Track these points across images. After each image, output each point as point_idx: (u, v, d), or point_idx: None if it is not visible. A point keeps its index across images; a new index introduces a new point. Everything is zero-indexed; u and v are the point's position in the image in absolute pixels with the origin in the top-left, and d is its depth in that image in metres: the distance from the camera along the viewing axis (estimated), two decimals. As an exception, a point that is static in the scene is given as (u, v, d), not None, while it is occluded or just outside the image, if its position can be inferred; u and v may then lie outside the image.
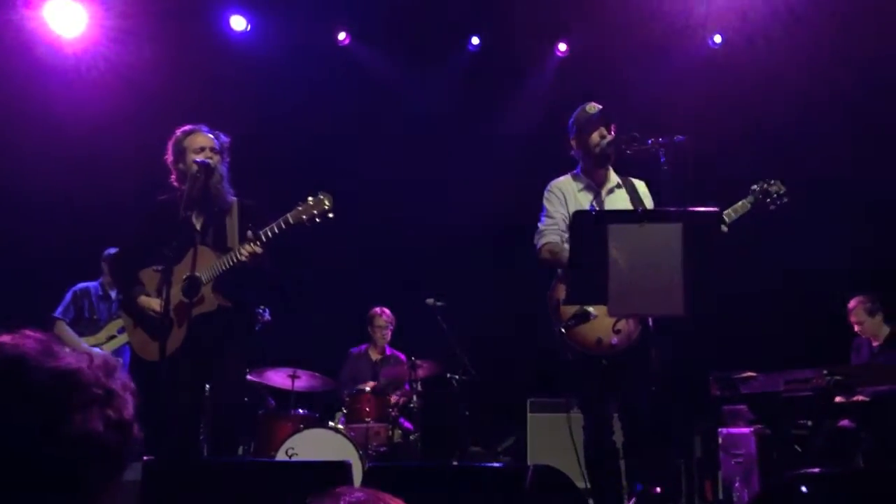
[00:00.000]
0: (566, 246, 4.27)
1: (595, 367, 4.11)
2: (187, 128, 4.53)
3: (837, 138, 7.36)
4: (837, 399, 5.40)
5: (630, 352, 4.10)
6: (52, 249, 7.02)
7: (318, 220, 4.23)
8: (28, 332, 1.14)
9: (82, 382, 1.09)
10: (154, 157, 4.72)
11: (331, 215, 4.24)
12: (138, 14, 7.27)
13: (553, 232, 4.40)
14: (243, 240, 4.29)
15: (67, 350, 1.13)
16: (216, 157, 4.46)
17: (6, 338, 1.13)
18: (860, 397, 5.65)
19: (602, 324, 4.07)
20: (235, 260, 4.23)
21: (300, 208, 4.24)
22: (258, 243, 4.21)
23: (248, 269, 4.28)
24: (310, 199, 4.24)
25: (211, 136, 4.51)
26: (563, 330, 4.13)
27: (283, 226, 4.24)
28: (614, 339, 4.07)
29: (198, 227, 4.47)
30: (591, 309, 4.05)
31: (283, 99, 7.80)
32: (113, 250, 5.94)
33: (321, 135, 7.96)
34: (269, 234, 4.23)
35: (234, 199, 4.54)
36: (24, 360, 1.08)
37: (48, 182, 7.06)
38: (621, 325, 4.07)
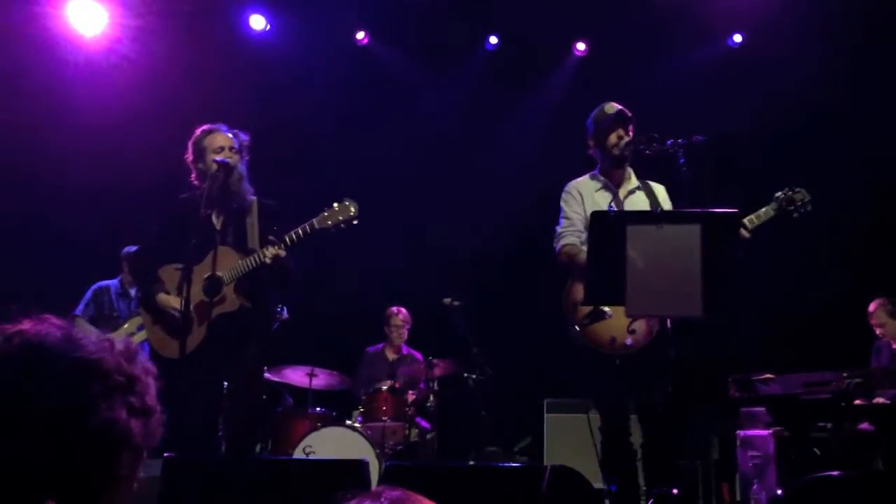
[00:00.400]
0: (584, 248, 4.27)
1: (609, 367, 4.11)
2: (207, 127, 4.56)
3: (860, 139, 7.30)
4: (857, 402, 5.36)
5: (646, 352, 4.09)
6: (71, 246, 7.07)
7: (342, 226, 4.25)
8: (48, 318, 1.13)
9: (104, 370, 1.08)
10: (173, 155, 4.75)
11: (356, 222, 4.25)
12: (158, 13, 7.31)
13: (571, 234, 4.41)
14: (264, 240, 4.31)
15: (89, 336, 1.12)
16: (235, 157, 4.48)
17: (26, 324, 1.11)
18: (880, 400, 5.60)
19: (617, 323, 4.07)
20: (259, 262, 4.25)
21: (325, 214, 4.26)
22: (282, 247, 4.23)
23: (271, 271, 4.30)
24: (335, 205, 4.26)
25: (230, 135, 4.53)
26: (577, 328, 4.14)
27: (308, 230, 4.26)
28: (629, 340, 4.07)
29: (217, 226, 4.49)
30: (606, 308, 4.05)
31: (301, 98, 7.82)
32: (132, 248, 5.97)
33: (339, 133, 7.97)
34: (294, 237, 4.25)
35: (254, 198, 4.56)
36: (46, 347, 1.07)
37: (68, 179, 7.11)
38: (636, 325, 4.07)
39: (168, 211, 4.62)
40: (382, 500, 1.03)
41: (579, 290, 4.14)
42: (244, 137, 4.59)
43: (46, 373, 1.05)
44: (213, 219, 4.49)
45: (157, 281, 4.48)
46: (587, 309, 4.11)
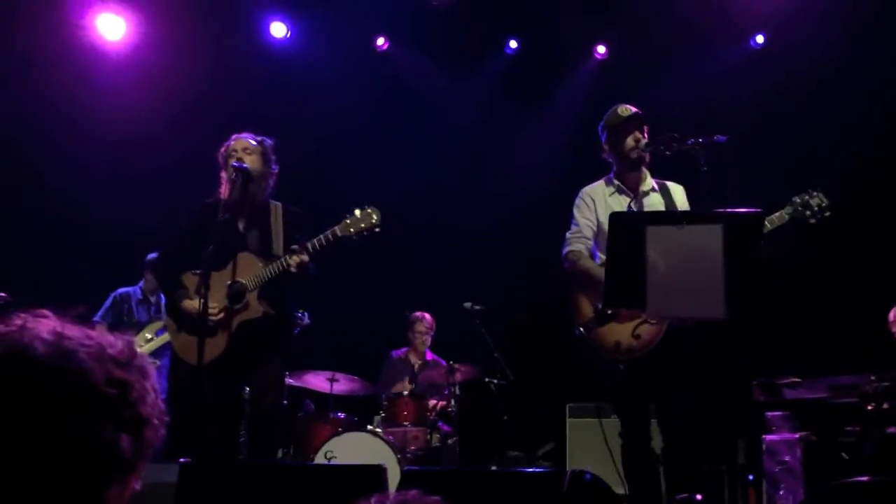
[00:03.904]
0: (588, 255, 4.27)
1: (614, 372, 4.06)
2: (233, 136, 4.57)
3: (886, 140, 7.19)
4: (885, 406, 5.26)
5: (655, 355, 4.01)
6: (91, 253, 7.10)
7: (365, 234, 4.23)
8: (43, 317, 1.03)
9: (91, 383, 0.99)
10: (194, 162, 4.76)
11: (378, 230, 4.23)
12: (179, 21, 7.36)
13: (577, 240, 4.36)
14: (289, 247, 4.30)
15: (80, 338, 1.01)
16: (252, 157, 4.46)
17: (16, 323, 1.00)
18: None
19: (622, 328, 4.02)
20: (283, 268, 4.24)
21: (348, 221, 4.24)
22: (306, 254, 4.22)
23: (294, 278, 4.29)
24: (357, 212, 4.24)
25: (252, 140, 4.52)
26: (581, 331, 4.09)
27: (331, 238, 4.25)
28: (633, 343, 4.01)
29: (241, 229, 4.48)
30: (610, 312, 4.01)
31: (322, 104, 7.83)
32: (155, 255, 5.99)
33: (359, 139, 7.97)
34: (318, 244, 4.24)
35: (278, 203, 4.55)
36: (26, 355, 0.97)
37: (90, 186, 7.15)
38: (641, 329, 4.00)
39: (191, 215, 4.63)
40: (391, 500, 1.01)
41: (583, 296, 4.10)
42: (269, 142, 4.58)
43: (24, 383, 0.96)
44: (239, 224, 4.48)
45: (181, 287, 4.48)
46: (591, 313, 4.07)
